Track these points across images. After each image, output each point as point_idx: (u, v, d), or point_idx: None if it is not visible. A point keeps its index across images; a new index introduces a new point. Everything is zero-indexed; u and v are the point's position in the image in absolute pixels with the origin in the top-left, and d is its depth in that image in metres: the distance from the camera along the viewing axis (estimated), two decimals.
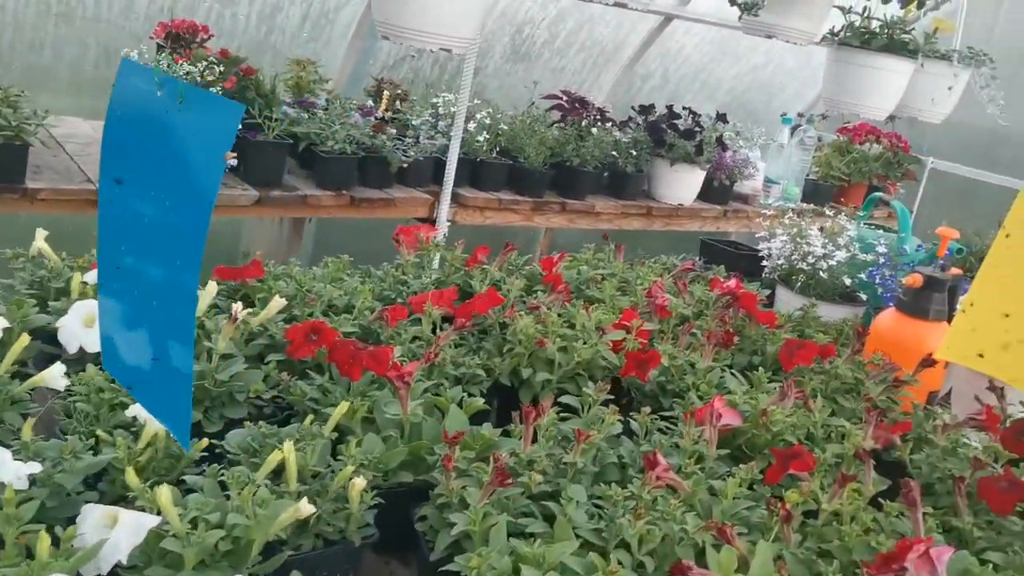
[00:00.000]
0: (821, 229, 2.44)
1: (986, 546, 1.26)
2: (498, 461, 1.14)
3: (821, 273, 2.30)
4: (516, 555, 1.03)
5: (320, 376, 1.43)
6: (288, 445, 1.08)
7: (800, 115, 4.28)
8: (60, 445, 1.08)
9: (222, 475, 1.05)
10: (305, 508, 0.99)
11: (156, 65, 2.60)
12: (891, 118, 3.82)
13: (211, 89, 2.69)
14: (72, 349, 1.37)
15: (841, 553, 1.16)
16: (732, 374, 1.75)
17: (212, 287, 1.51)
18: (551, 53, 4.11)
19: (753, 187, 4.06)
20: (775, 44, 4.23)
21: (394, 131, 3.09)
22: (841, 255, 2.31)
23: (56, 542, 0.92)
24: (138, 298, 0.94)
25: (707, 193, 3.79)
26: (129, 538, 0.93)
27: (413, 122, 3.20)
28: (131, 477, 0.99)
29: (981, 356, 1.74)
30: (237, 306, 1.38)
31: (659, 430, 1.45)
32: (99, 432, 1.14)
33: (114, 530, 0.93)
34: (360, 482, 1.07)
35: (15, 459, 1.02)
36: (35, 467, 1.01)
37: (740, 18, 2.41)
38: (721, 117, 3.68)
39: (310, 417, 1.26)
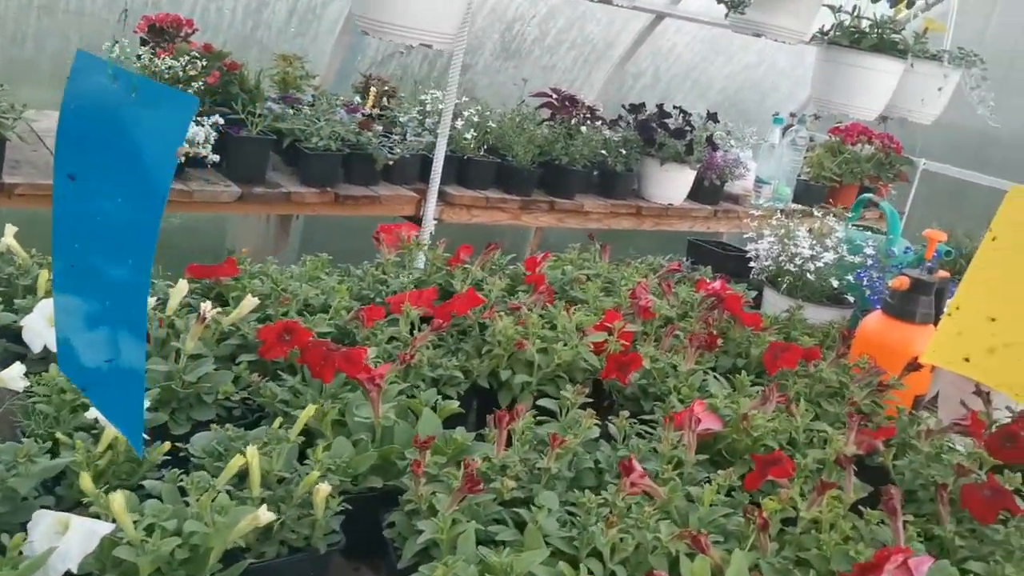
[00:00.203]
0: (810, 231, 2.42)
1: (968, 555, 1.24)
2: (468, 467, 1.11)
3: (808, 275, 2.28)
4: (483, 564, 1.00)
5: (292, 377, 1.40)
6: (251, 450, 1.05)
7: (792, 115, 4.25)
8: (15, 448, 1.04)
9: (181, 480, 1.02)
10: (264, 515, 0.96)
11: (111, 57, 2.56)
12: (883, 119, 3.81)
13: (193, 84, 2.65)
14: (36, 349, 1.33)
15: (819, 562, 1.14)
16: (715, 377, 1.73)
17: (183, 286, 1.47)
18: (542, 51, 4.08)
19: (744, 187, 4.03)
20: (767, 43, 4.20)
21: (380, 128, 3.06)
22: (829, 257, 2.29)
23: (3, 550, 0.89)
24: (91, 297, 0.91)
25: (697, 193, 3.76)
26: (80, 546, 0.90)
27: (400, 119, 3.17)
28: (85, 482, 0.96)
29: (967, 360, 1.71)
30: (205, 305, 1.35)
31: (638, 434, 1.42)
32: (58, 435, 1.11)
33: (65, 537, 0.90)
34: (325, 488, 1.04)
35: None
36: None
37: (727, 16, 2.39)
38: (712, 116, 3.65)
39: (279, 420, 1.22)
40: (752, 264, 2.43)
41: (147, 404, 1.22)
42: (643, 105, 3.60)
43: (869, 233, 2.47)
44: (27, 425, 1.16)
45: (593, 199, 3.49)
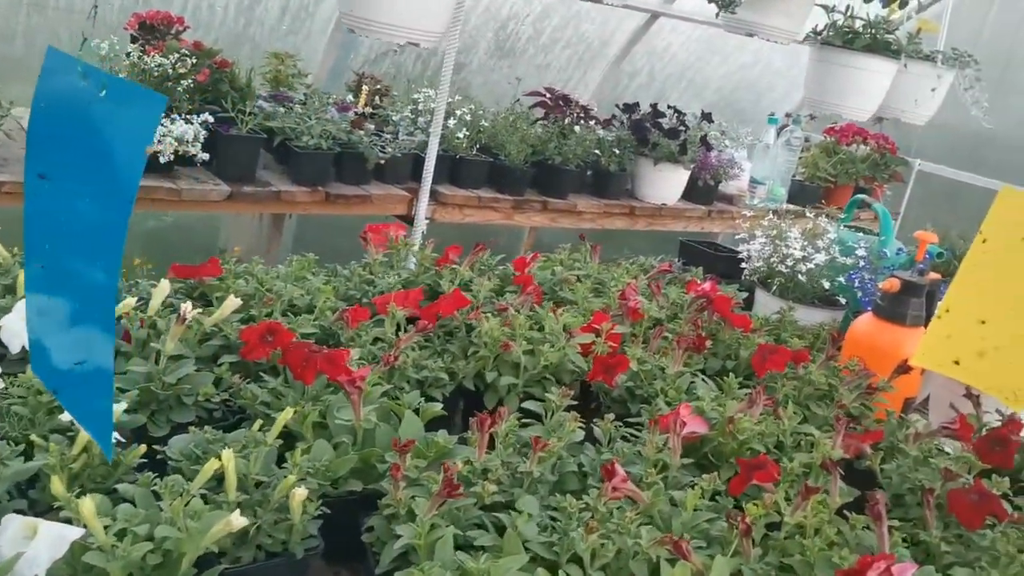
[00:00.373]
0: (802, 232, 2.40)
1: (954, 561, 1.23)
2: (448, 471, 1.10)
3: (800, 276, 2.26)
4: (461, 570, 0.98)
5: (274, 379, 1.38)
6: (227, 453, 1.03)
7: (788, 115, 4.24)
8: None
9: (155, 484, 1.00)
10: (237, 520, 0.94)
11: (100, 55, 2.54)
12: (879, 119, 3.80)
13: (183, 82, 2.63)
14: (15, 349, 1.32)
15: (802, 568, 1.12)
16: (704, 379, 1.72)
17: (165, 285, 1.46)
18: (536, 49, 4.06)
19: (739, 187, 4.02)
20: (763, 44, 4.19)
21: (372, 127, 3.04)
22: (820, 258, 2.28)
23: None
24: (62, 298, 0.90)
25: (692, 193, 3.75)
26: (49, 551, 0.88)
27: (393, 118, 3.15)
28: (56, 485, 0.95)
29: (957, 363, 1.70)
30: (186, 306, 1.33)
31: (623, 437, 1.41)
32: (33, 437, 1.10)
33: (33, 542, 0.88)
34: (301, 492, 1.03)
35: None
36: None
37: (717, 15, 2.37)
38: (706, 116, 3.63)
39: (258, 422, 1.21)
40: (743, 265, 2.42)
41: (125, 406, 1.21)
42: (637, 104, 3.59)
43: (861, 234, 2.46)
44: (1, 427, 1.15)
45: (586, 199, 3.47)
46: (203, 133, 2.62)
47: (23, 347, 1.32)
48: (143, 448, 1.12)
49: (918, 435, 1.52)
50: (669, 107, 3.61)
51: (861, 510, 1.26)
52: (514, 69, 4.03)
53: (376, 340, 1.61)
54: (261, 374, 1.40)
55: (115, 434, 1.11)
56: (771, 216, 2.46)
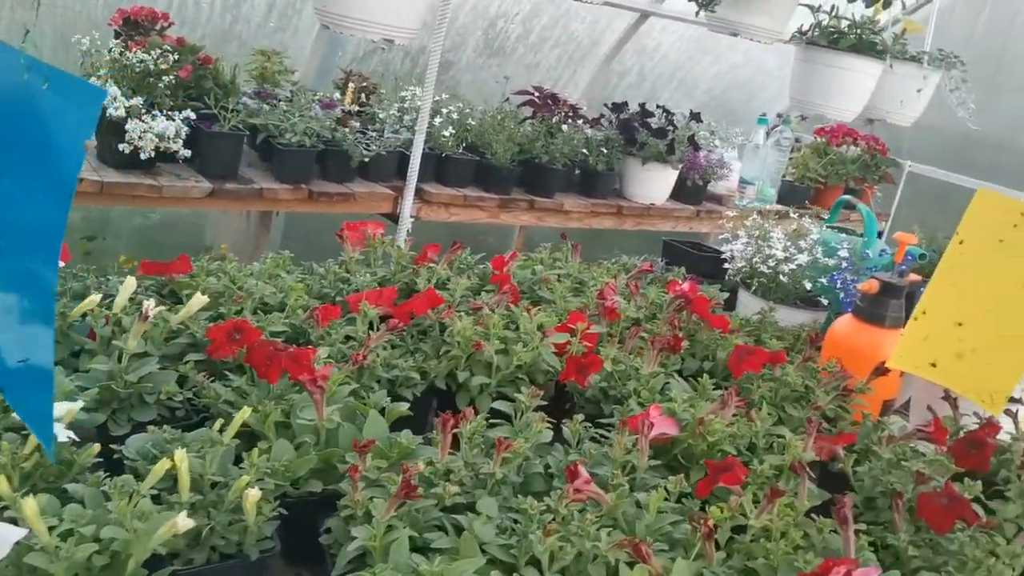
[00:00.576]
0: (785, 233, 2.39)
1: (921, 565, 1.21)
2: (407, 472, 1.08)
3: (782, 277, 2.25)
4: (415, 573, 0.97)
5: (240, 378, 1.37)
6: (180, 452, 1.02)
7: (779, 115, 4.23)
8: None
9: (104, 484, 0.99)
10: (183, 522, 0.93)
11: (82, 51, 2.53)
12: (870, 120, 3.79)
13: (164, 78, 2.62)
14: None
15: (766, 572, 1.11)
16: (681, 380, 1.70)
17: (131, 282, 1.44)
18: (525, 48, 4.05)
19: (728, 187, 4.01)
20: (753, 44, 4.17)
21: (357, 124, 3.02)
22: (802, 259, 2.26)
23: None
24: (4, 294, 0.88)
25: (680, 193, 3.74)
26: None
27: (380, 115, 3.14)
28: (2, 485, 0.93)
29: (934, 365, 1.69)
30: (148, 303, 1.32)
31: (592, 438, 1.40)
32: None
33: None
34: (255, 493, 1.01)
35: None
36: None
37: (697, 13, 2.36)
38: (695, 116, 3.62)
39: (219, 422, 1.19)
40: (726, 265, 2.40)
41: (82, 404, 1.19)
42: (625, 104, 3.58)
43: (844, 235, 2.45)
44: None
45: (573, 198, 3.46)
46: (185, 130, 2.60)
47: None
48: (97, 448, 1.10)
49: (891, 438, 1.50)
50: (658, 106, 3.59)
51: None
52: (503, 68, 4.02)
53: (347, 339, 1.59)
54: (226, 373, 1.39)
55: (70, 433, 1.10)
56: (755, 216, 2.45)
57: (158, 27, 2.95)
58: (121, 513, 0.93)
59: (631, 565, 1.04)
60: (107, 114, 2.51)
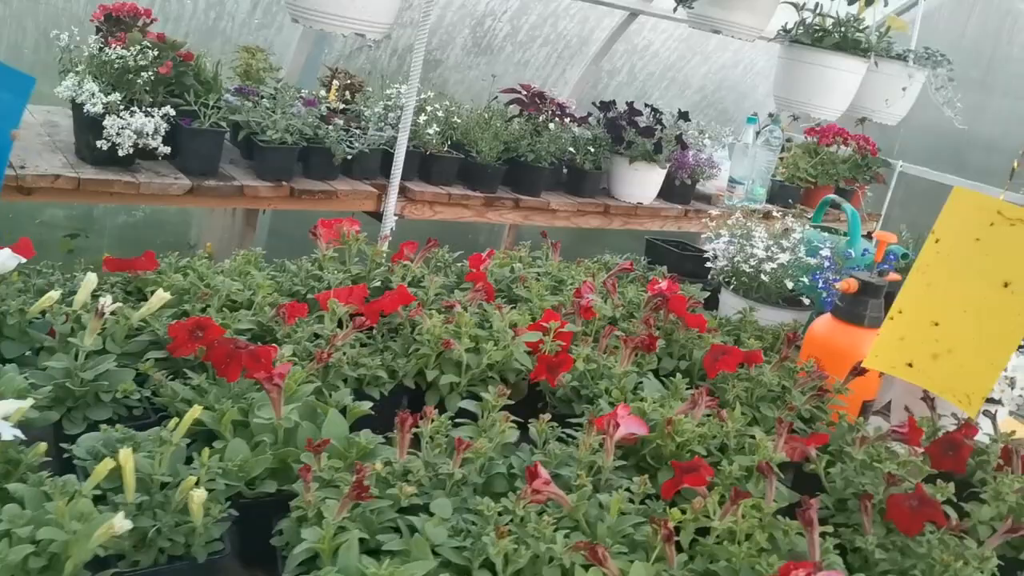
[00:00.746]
0: (768, 232, 2.37)
1: (889, 569, 1.19)
2: (360, 472, 1.06)
3: (763, 276, 2.23)
4: None
5: (199, 376, 1.34)
6: (124, 452, 1.00)
7: (771, 116, 4.21)
8: None
9: (44, 484, 0.96)
10: (120, 523, 0.90)
11: (60, 46, 2.51)
12: (861, 120, 3.76)
13: (143, 74, 2.59)
14: None
15: (727, 574, 1.09)
16: (660, 379, 1.67)
17: (92, 279, 1.42)
18: (514, 47, 4.02)
19: (717, 187, 3.98)
20: (744, 44, 4.15)
21: (341, 122, 3.00)
22: (784, 258, 2.24)
23: None
24: None
25: (669, 192, 3.71)
26: None
27: (365, 113, 3.11)
28: None
29: (910, 366, 1.67)
30: (105, 300, 1.29)
31: (559, 438, 1.37)
32: None
33: None
34: (200, 494, 0.99)
35: None
36: None
37: (675, 10, 2.34)
38: (683, 115, 3.60)
39: (174, 421, 1.17)
40: (708, 264, 2.38)
41: (39, 402, 1.17)
42: (613, 102, 3.55)
43: (827, 234, 2.43)
44: None
45: (560, 197, 3.44)
46: (164, 127, 2.58)
47: None
48: (44, 447, 1.08)
49: (864, 439, 1.48)
50: (646, 105, 3.57)
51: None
52: (491, 66, 3.99)
53: (316, 337, 1.57)
54: (186, 371, 1.36)
55: (16, 431, 1.07)
56: (737, 215, 2.43)
57: (140, 23, 2.92)
58: (58, 514, 0.90)
59: (587, 568, 1.01)
60: (85, 111, 2.49)
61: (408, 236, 2.22)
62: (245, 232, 3.47)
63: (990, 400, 1.81)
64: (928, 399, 1.73)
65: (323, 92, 3.21)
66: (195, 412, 1.11)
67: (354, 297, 1.68)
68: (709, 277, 2.42)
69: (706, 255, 2.41)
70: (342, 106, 3.17)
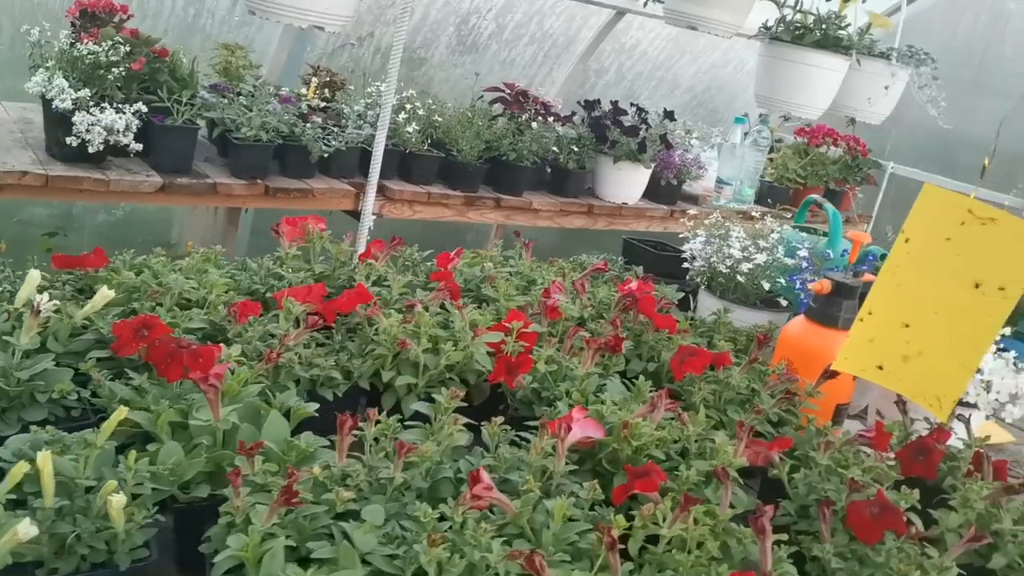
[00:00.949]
0: (747, 232, 2.33)
1: None
2: (292, 476, 1.02)
3: (739, 277, 2.19)
4: None
5: (141, 376, 1.30)
6: (43, 455, 0.96)
7: (761, 116, 4.17)
8: None
9: None
10: (24, 530, 0.86)
11: (31, 41, 2.47)
12: (852, 121, 3.72)
13: (114, 70, 2.55)
14: None
15: None
16: (628, 382, 1.63)
17: (34, 275, 1.38)
18: (499, 45, 3.99)
19: (705, 188, 3.95)
20: (734, 43, 4.12)
21: (319, 119, 2.96)
22: (761, 258, 2.20)
23: None
24: None
25: (654, 193, 3.68)
26: None
27: (345, 111, 3.08)
28: None
29: (880, 368, 1.62)
30: (41, 297, 1.25)
31: (512, 442, 1.33)
32: None
33: None
34: (119, 499, 0.95)
35: None
36: None
37: (645, 4, 2.30)
38: (668, 115, 3.56)
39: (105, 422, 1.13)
40: (685, 265, 2.34)
41: None
42: (598, 101, 3.52)
43: (805, 234, 2.39)
44: None
45: (543, 197, 3.40)
46: (135, 123, 2.54)
47: None
48: None
49: (829, 443, 1.44)
50: (632, 104, 3.53)
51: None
52: (477, 65, 3.96)
53: (271, 336, 1.53)
54: (127, 371, 1.32)
55: None
56: (715, 215, 2.39)
57: (116, 19, 2.89)
58: None
59: None
60: (54, 106, 2.45)
61: (393, 236, 2.17)
62: (227, 231, 3.43)
63: (965, 404, 1.76)
64: (901, 403, 1.69)
65: (303, 90, 3.18)
66: (121, 413, 1.07)
67: (312, 296, 1.64)
68: (687, 278, 2.38)
69: (683, 255, 2.37)
70: (322, 104, 3.14)
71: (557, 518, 1.09)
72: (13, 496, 0.97)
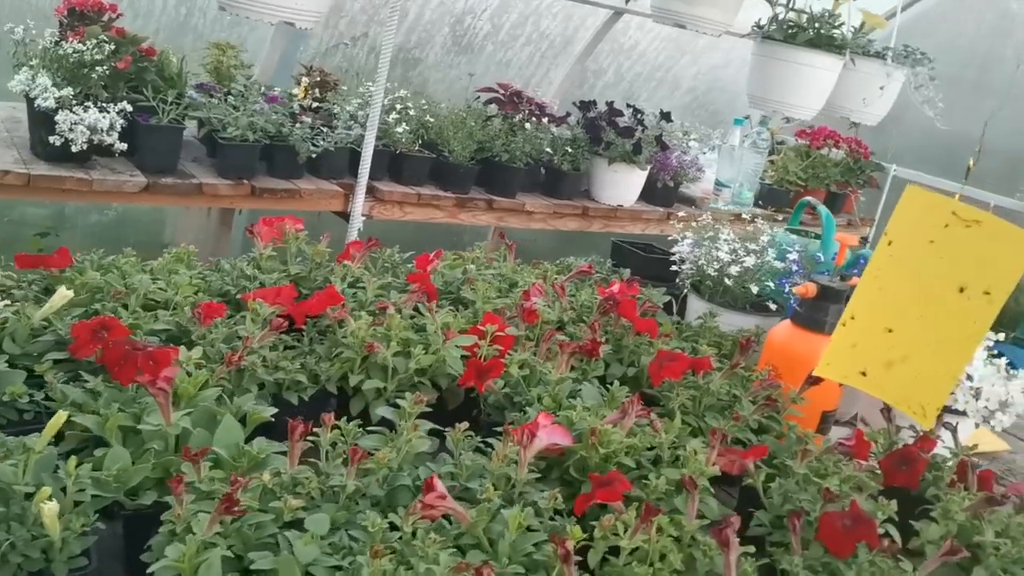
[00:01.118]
0: (736, 235, 2.28)
1: None
2: (234, 484, 0.99)
3: (727, 280, 2.15)
4: None
5: (96, 379, 1.27)
6: None
7: (764, 118, 4.12)
8: None
9: None
10: None
11: (14, 40, 2.46)
12: (854, 124, 3.67)
13: (98, 68, 2.53)
14: None
15: None
16: (606, 387, 1.59)
17: None
18: (495, 46, 3.95)
19: (703, 190, 3.89)
20: (734, 44, 4.07)
21: (309, 120, 2.93)
22: (749, 261, 2.16)
23: None
24: None
25: (651, 195, 3.63)
26: None
27: (336, 111, 3.05)
28: None
29: (864, 374, 1.57)
30: None
31: (477, 448, 1.30)
32: None
33: None
34: (52, 507, 0.92)
35: None
36: None
37: (627, 1, 2.25)
38: (665, 116, 3.51)
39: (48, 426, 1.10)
40: (673, 268, 2.30)
41: None
42: (593, 102, 3.47)
43: (796, 237, 2.34)
44: None
45: (536, 198, 3.36)
46: (120, 122, 2.52)
47: None
48: None
49: (806, 452, 1.39)
50: (628, 105, 3.49)
51: (740, 532, 1.14)
52: (473, 66, 3.92)
53: (237, 338, 1.50)
54: (82, 373, 1.29)
55: None
56: (706, 216, 2.34)
57: (105, 18, 2.87)
58: None
59: None
60: (36, 105, 2.43)
61: (386, 237, 2.14)
62: (220, 232, 3.41)
63: (953, 411, 1.72)
64: (886, 410, 1.64)
65: (295, 90, 3.15)
66: (61, 417, 1.04)
67: (282, 298, 1.61)
68: (677, 281, 2.34)
69: (672, 258, 2.33)
70: (314, 104, 3.11)
71: (512, 528, 1.05)
72: None
